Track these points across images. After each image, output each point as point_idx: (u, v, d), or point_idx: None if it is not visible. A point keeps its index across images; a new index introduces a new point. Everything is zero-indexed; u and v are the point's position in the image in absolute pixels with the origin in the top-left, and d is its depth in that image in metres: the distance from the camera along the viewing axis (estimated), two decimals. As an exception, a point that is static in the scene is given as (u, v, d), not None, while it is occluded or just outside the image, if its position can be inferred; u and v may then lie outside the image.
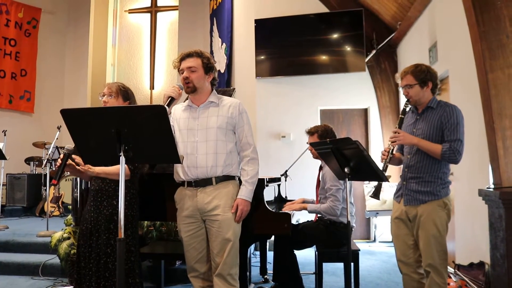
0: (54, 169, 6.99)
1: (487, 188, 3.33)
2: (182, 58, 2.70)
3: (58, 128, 6.19)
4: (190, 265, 2.75)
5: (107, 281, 2.69)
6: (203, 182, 2.66)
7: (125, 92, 2.91)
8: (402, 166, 3.02)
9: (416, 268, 2.85)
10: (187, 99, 2.91)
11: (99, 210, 2.76)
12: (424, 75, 2.81)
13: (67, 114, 1.91)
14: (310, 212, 3.76)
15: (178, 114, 2.80)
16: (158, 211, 3.20)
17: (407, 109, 2.96)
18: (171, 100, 2.53)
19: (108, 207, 2.75)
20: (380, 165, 2.83)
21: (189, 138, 2.69)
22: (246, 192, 2.68)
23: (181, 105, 2.85)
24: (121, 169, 1.93)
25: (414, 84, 2.82)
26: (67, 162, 2.57)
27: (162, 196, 3.15)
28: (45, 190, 7.30)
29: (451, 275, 3.91)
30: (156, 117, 1.90)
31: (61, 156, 2.53)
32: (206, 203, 2.64)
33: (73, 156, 2.61)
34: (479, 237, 3.89)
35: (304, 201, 4.12)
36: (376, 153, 6.52)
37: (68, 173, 2.62)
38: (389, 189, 5.93)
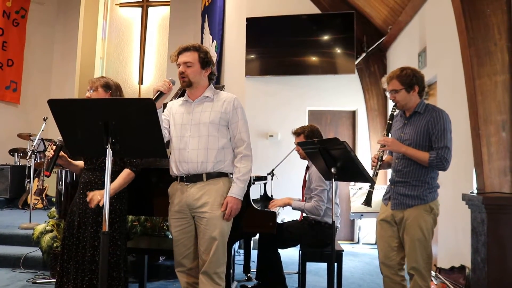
0: (39, 161, 6.93)
1: (471, 192, 3.37)
2: (180, 52, 2.67)
3: (44, 119, 6.11)
4: (178, 260, 2.73)
5: (93, 274, 2.68)
6: (194, 178, 2.64)
7: (106, 84, 2.87)
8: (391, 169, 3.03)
9: (398, 271, 2.86)
10: (180, 95, 2.88)
11: (87, 202, 2.74)
12: (410, 79, 2.78)
13: (54, 104, 1.89)
14: (294, 208, 3.77)
15: (174, 109, 2.78)
16: (143, 206, 3.19)
17: (395, 113, 2.96)
18: (160, 94, 2.49)
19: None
20: (370, 171, 2.84)
21: (182, 133, 2.67)
22: (236, 190, 2.63)
23: (179, 100, 2.83)
24: (107, 162, 1.91)
25: (400, 89, 2.80)
26: (60, 154, 2.57)
27: (147, 190, 3.14)
28: (29, 182, 7.22)
29: (432, 278, 3.95)
30: (145, 110, 1.88)
31: (53, 147, 2.53)
32: (195, 199, 2.61)
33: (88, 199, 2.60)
34: (461, 241, 3.93)
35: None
36: (363, 156, 6.58)
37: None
38: (375, 192, 5.94)
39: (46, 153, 2.65)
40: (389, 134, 2.93)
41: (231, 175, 2.72)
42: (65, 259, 2.77)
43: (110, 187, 1.94)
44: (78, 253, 2.72)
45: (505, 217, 3.10)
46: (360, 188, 6.23)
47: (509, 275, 3.07)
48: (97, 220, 2.71)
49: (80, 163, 2.90)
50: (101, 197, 2.56)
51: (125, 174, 2.74)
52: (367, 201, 2.92)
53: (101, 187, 2.73)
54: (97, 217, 2.71)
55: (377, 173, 2.87)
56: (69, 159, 2.77)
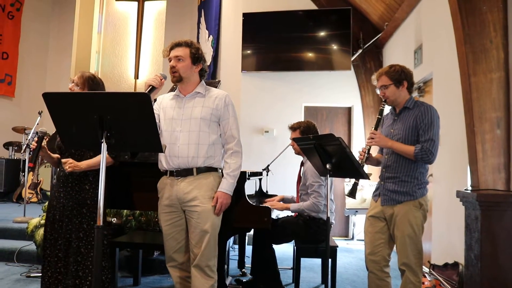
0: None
1: (465, 189, 3.39)
2: (172, 47, 2.70)
3: (39, 113, 6.07)
4: (169, 254, 2.74)
5: (79, 265, 2.74)
6: (184, 172, 2.65)
7: (92, 84, 2.91)
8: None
9: (383, 267, 2.89)
10: (172, 89, 2.89)
11: (70, 195, 2.78)
12: (398, 75, 2.85)
13: (49, 97, 1.88)
14: (293, 211, 3.78)
15: (165, 103, 2.79)
16: (127, 200, 3.23)
17: (384, 109, 2.99)
18: (152, 89, 2.52)
19: (80, 191, 2.78)
20: None
21: (173, 128, 2.68)
22: (226, 185, 2.65)
23: (170, 94, 2.84)
24: (102, 156, 1.90)
25: (389, 85, 2.86)
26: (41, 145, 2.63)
27: (132, 184, 3.17)
28: (24, 175, 7.19)
29: (425, 275, 3.97)
30: (140, 104, 1.88)
31: (35, 139, 2.58)
32: (186, 193, 2.62)
33: (63, 160, 2.69)
34: (455, 238, 3.95)
35: (283, 199, 4.14)
36: (358, 152, 6.58)
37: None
38: (368, 188, 5.98)
39: (31, 146, 2.70)
40: (378, 129, 2.96)
41: (221, 171, 2.74)
42: (48, 253, 2.81)
43: (104, 181, 1.93)
44: (61, 246, 2.75)
45: (499, 214, 3.12)
46: (355, 185, 6.24)
47: (502, 271, 3.09)
48: (82, 211, 2.77)
49: (57, 155, 2.93)
50: (74, 165, 2.67)
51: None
52: (352, 193, 2.95)
53: (84, 179, 2.81)
54: (81, 208, 2.77)
55: (363, 165, 2.90)
56: (48, 151, 2.82)
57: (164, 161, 2.69)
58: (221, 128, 2.73)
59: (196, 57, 2.69)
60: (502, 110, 3.23)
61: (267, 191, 4.69)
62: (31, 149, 2.67)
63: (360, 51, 6.73)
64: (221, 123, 2.72)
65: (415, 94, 5.01)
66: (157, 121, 2.70)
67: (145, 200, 3.15)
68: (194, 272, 2.62)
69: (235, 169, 2.69)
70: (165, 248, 2.76)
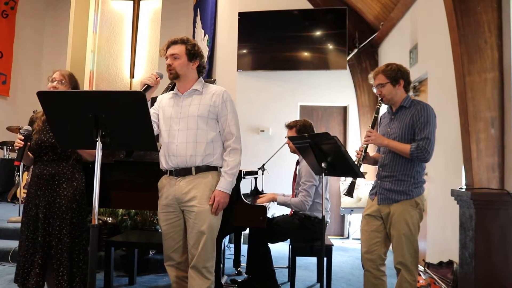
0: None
1: (460, 188, 3.40)
2: (168, 46, 2.68)
3: (34, 112, 6.05)
4: (167, 253, 2.73)
5: (73, 261, 2.77)
6: (182, 172, 2.63)
7: (75, 84, 2.95)
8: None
9: (379, 265, 2.89)
10: (171, 88, 2.88)
11: (57, 193, 2.78)
12: (395, 74, 2.86)
13: (44, 96, 1.88)
14: (279, 203, 3.77)
15: (164, 102, 2.78)
16: (128, 199, 3.24)
17: (380, 108, 3.00)
18: (147, 88, 2.49)
19: (68, 188, 2.80)
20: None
21: (171, 126, 2.67)
22: (224, 184, 2.62)
23: (169, 93, 2.83)
24: (97, 155, 1.91)
25: (386, 83, 2.87)
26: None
27: (141, 184, 3.17)
28: (18, 175, 7.16)
29: (420, 273, 3.98)
30: (135, 103, 1.88)
31: (20, 137, 2.62)
32: (184, 193, 2.60)
33: None
34: (449, 237, 3.97)
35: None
36: (353, 152, 6.58)
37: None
38: (364, 187, 6.00)
39: (16, 143, 2.71)
40: (374, 127, 2.97)
41: (221, 169, 2.70)
42: (30, 253, 2.78)
43: (99, 180, 1.93)
44: (51, 244, 2.75)
45: (493, 213, 3.14)
46: (350, 184, 6.26)
47: (496, 270, 3.11)
48: (72, 207, 2.78)
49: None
50: None
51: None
52: (349, 192, 2.96)
53: (71, 176, 2.84)
54: (71, 204, 2.78)
55: (360, 165, 2.91)
56: (28, 151, 2.84)
57: (164, 161, 2.69)
58: (220, 125, 2.69)
59: (192, 53, 2.67)
60: (497, 109, 3.25)
61: (262, 190, 4.69)
62: (16, 147, 2.68)
63: (355, 50, 6.74)
64: (219, 119, 2.69)
65: (410, 93, 5.02)
66: (156, 120, 2.72)
67: (138, 199, 3.17)
68: (191, 273, 2.60)
69: (233, 167, 2.65)
70: (164, 247, 2.74)
